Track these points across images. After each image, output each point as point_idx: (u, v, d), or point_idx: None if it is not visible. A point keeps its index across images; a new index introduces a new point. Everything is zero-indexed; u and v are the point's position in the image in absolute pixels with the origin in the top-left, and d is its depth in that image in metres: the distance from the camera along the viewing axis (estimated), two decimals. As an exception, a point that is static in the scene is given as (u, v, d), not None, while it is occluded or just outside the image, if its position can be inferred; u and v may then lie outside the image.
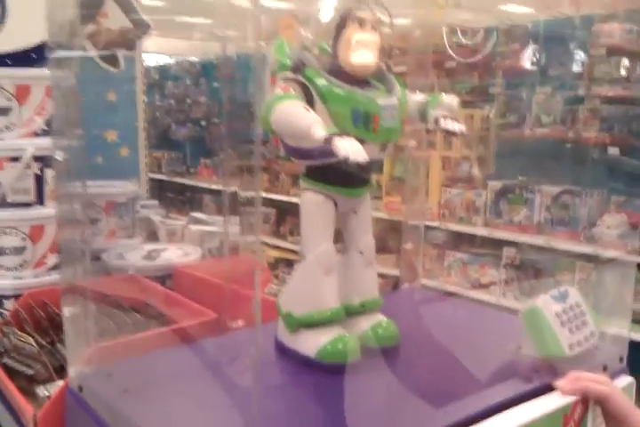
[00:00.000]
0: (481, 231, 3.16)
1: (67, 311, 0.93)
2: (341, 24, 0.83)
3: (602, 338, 0.92)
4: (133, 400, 0.81)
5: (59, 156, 0.89)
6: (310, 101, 0.82)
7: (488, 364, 0.88)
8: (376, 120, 0.83)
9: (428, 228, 3.34)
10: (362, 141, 0.82)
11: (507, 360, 0.88)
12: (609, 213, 2.78)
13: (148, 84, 5.44)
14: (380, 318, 0.94)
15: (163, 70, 5.75)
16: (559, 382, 0.78)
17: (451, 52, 3.32)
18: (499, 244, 3.12)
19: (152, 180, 5.11)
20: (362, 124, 0.82)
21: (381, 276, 2.88)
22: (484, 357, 0.90)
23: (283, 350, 0.93)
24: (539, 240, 2.91)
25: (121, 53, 2.55)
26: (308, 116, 0.77)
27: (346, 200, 0.90)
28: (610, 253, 2.59)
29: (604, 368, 0.89)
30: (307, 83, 0.82)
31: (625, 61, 2.68)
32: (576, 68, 3.01)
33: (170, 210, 5.01)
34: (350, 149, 0.74)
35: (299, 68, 0.83)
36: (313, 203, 0.89)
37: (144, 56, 5.25)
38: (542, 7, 3.14)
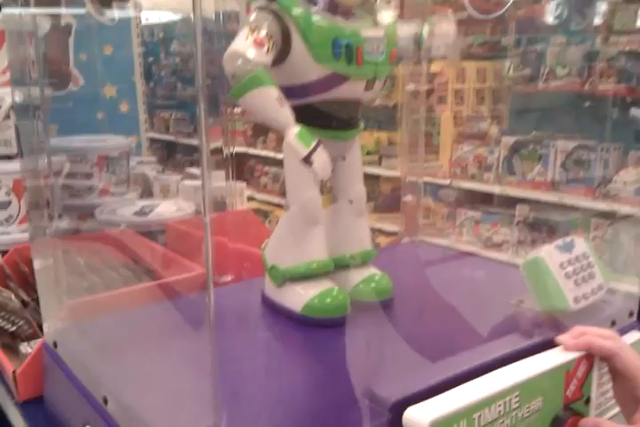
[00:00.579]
0: (493, 189, 3.07)
1: (37, 264, 0.88)
2: None
3: (611, 292, 0.86)
4: (107, 357, 0.76)
5: (17, 97, 0.82)
6: (287, 33, 0.74)
7: (487, 318, 0.82)
8: (359, 53, 0.76)
9: (438, 186, 3.29)
10: (345, 77, 0.76)
11: (507, 314, 0.83)
12: (626, 168, 2.67)
13: (152, 43, 5.34)
14: (373, 271, 0.89)
15: (167, 28, 5.61)
16: (561, 337, 0.72)
17: (467, 3, 3.18)
18: (511, 201, 3.04)
19: (160, 141, 5.07)
20: (344, 57, 0.75)
21: (392, 234, 2.83)
22: (483, 311, 0.85)
23: (269, 305, 0.89)
24: (553, 197, 2.82)
25: (115, 5, 2.46)
26: (281, 117, 0.75)
27: (332, 144, 0.83)
28: (625, 210, 2.51)
29: (613, 323, 0.83)
30: (281, 12, 0.74)
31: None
32: (593, 18, 2.87)
33: (178, 171, 4.99)
34: (325, 168, 0.77)
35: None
36: None
37: (147, 14, 5.13)
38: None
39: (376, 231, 3.40)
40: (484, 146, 3.16)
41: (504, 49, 3.25)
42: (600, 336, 0.71)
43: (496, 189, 3.06)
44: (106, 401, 0.68)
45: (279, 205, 4.22)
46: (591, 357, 0.71)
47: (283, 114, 0.75)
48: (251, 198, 4.32)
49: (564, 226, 2.83)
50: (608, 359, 0.70)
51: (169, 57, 5.54)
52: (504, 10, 2.96)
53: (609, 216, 2.64)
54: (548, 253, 0.81)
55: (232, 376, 0.68)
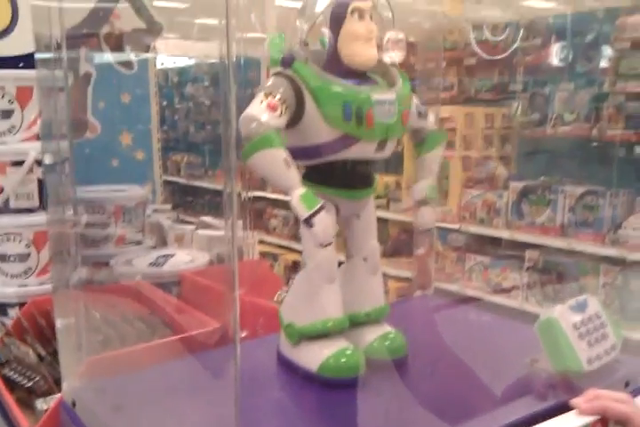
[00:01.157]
0: (502, 233, 3.08)
1: (59, 322, 0.90)
2: (340, 16, 0.80)
3: (624, 351, 0.86)
4: (125, 418, 0.77)
5: (48, 160, 0.85)
6: (300, 96, 0.78)
7: (502, 379, 0.83)
8: (370, 116, 0.79)
9: (448, 230, 3.30)
10: (356, 139, 0.79)
11: (522, 375, 0.83)
12: (635, 214, 2.68)
13: (166, 87, 5.47)
14: (387, 328, 0.90)
15: (182, 72, 5.75)
16: (576, 401, 0.72)
17: (477, 48, 3.26)
18: (521, 246, 3.04)
19: (171, 183, 5.14)
20: (354, 120, 0.78)
21: (402, 279, 2.82)
22: (497, 371, 0.85)
23: (284, 364, 0.89)
24: (562, 243, 2.82)
25: (134, 55, 2.54)
26: (287, 178, 0.77)
27: (347, 203, 0.86)
28: (635, 256, 2.50)
29: (626, 384, 0.83)
30: (295, 77, 0.79)
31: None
32: (600, 63, 2.92)
33: (189, 214, 5.04)
34: (326, 232, 0.77)
35: (288, 62, 0.79)
36: None
37: (163, 58, 5.28)
38: (564, 1, 3.07)
39: (385, 276, 3.40)
40: (493, 190, 3.18)
41: (512, 94, 3.31)
42: (615, 399, 0.72)
43: (505, 234, 3.06)
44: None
45: (288, 248, 4.23)
46: (606, 421, 0.72)
47: (288, 175, 0.77)
48: (260, 241, 4.35)
49: (573, 272, 2.82)
50: (623, 424, 0.71)
51: (183, 101, 5.68)
52: (509, 52, 3.04)
53: (618, 262, 2.64)
54: (562, 314, 0.82)
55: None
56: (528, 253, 2.98)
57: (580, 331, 0.81)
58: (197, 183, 5.22)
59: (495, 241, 3.17)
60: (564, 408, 0.73)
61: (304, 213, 0.76)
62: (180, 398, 0.81)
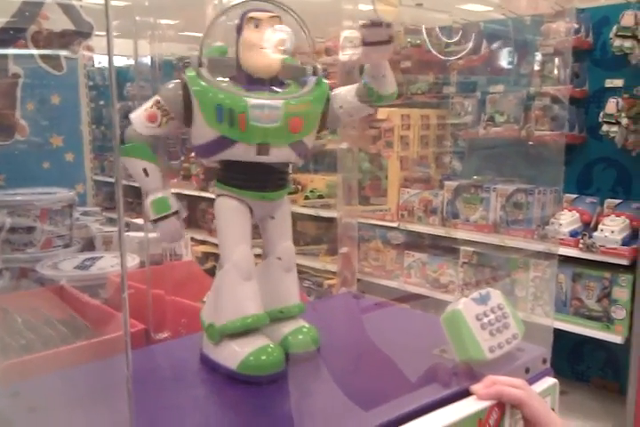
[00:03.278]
0: (438, 231, 3.16)
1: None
2: (239, 28, 0.84)
3: (526, 339, 0.91)
4: (38, 421, 0.77)
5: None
6: (188, 99, 0.83)
7: (409, 369, 0.86)
8: (242, 119, 0.81)
9: (387, 228, 3.36)
10: (232, 141, 0.83)
11: (428, 364, 0.87)
12: (561, 211, 2.80)
13: (104, 86, 5.36)
14: (301, 323, 0.92)
15: (120, 72, 5.66)
16: (474, 387, 0.77)
17: (434, 51, 3.31)
18: (456, 243, 3.13)
19: (108, 184, 5.04)
20: (226, 121, 0.81)
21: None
22: (406, 362, 0.88)
23: (206, 363, 0.90)
24: (495, 239, 2.92)
25: (63, 55, 2.50)
26: (145, 184, 0.86)
27: (261, 204, 0.88)
28: (563, 251, 2.62)
29: (527, 370, 0.88)
30: (186, 81, 0.83)
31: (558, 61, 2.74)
32: (528, 67, 3.04)
33: (130, 215, 4.95)
34: (169, 236, 0.87)
35: (183, 67, 0.84)
36: (227, 208, 0.87)
37: (100, 58, 5.17)
38: (497, 7, 3.17)
39: (330, 274, 3.44)
40: (429, 189, 3.27)
41: (446, 96, 3.40)
42: (511, 385, 0.76)
43: (441, 232, 3.15)
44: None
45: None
46: (502, 405, 0.76)
47: (147, 181, 0.86)
48: (203, 242, 4.33)
49: (505, 267, 2.92)
50: (518, 408, 0.75)
51: (121, 100, 5.57)
52: (463, 54, 3.12)
53: (547, 257, 2.75)
54: (465, 306, 0.86)
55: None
56: (463, 250, 3.08)
57: (482, 322, 0.85)
58: (137, 184, 5.14)
59: (432, 238, 3.26)
60: (465, 394, 0.77)
61: (151, 216, 0.86)
62: (94, 400, 0.81)
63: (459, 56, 3.23)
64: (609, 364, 2.87)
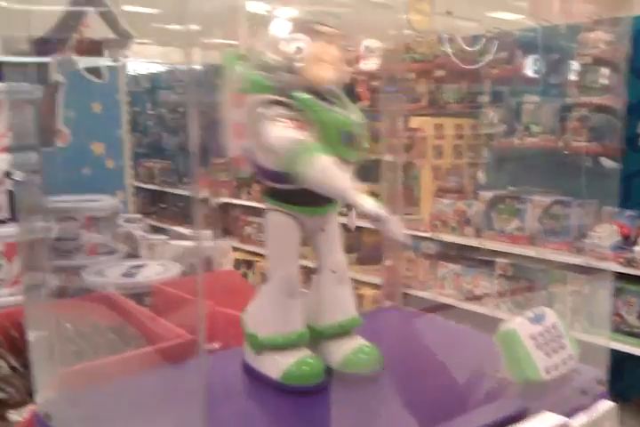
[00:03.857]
0: (473, 242, 3.13)
1: (32, 334, 0.91)
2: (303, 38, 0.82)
3: (585, 359, 0.90)
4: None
5: (19, 177, 0.87)
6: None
7: (464, 389, 0.86)
8: (357, 139, 0.83)
9: (420, 238, 3.35)
10: (347, 162, 0.83)
11: (483, 385, 0.87)
12: (600, 223, 2.76)
13: (138, 93, 5.44)
14: (362, 342, 0.92)
15: (154, 79, 5.74)
16: None
17: (454, 58, 3.31)
18: (491, 255, 3.10)
19: (143, 189, 5.11)
20: (348, 145, 0.82)
21: (377, 286, 2.83)
22: (460, 382, 0.88)
23: (249, 372, 0.91)
24: (530, 251, 2.88)
25: (104, 64, 2.55)
26: (345, 179, 0.77)
27: (311, 219, 0.88)
28: (601, 265, 2.58)
29: (583, 393, 0.87)
30: (296, 105, 0.81)
31: (605, 71, 2.69)
32: (565, 77, 3.01)
33: (162, 221, 5.01)
34: (398, 231, 0.77)
35: (284, 90, 0.82)
36: (277, 224, 0.87)
37: (135, 64, 5.25)
38: (529, 16, 3.15)
39: (360, 283, 3.43)
40: (463, 199, 3.24)
41: (480, 106, 3.38)
42: None
43: (475, 243, 3.12)
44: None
45: (263, 256, 4.24)
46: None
47: (347, 177, 0.78)
48: (234, 249, 4.35)
49: (542, 280, 2.88)
50: None
51: (155, 107, 5.65)
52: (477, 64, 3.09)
53: (585, 271, 2.70)
54: (520, 325, 0.85)
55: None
56: (498, 262, 3.04)
57: (537, 341, 0.85)
58: (171, 190, 5.20)
59: (466, 249, 3.23)
60: (523, 415, 0.77)
61: (375, 208, 0.75)
62: (152, 409, 0.83)
63: (479, 65, 3.19)
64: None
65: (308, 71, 0.83)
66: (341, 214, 0.91)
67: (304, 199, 0.85)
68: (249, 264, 4.18)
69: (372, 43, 0.84)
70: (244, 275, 4.06)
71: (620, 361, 2.89)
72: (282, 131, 0.78)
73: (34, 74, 0.99)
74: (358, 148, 0.84)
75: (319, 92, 0.83)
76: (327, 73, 0.83)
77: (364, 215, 0.76)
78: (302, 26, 0.83)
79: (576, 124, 2.94)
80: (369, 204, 0.75)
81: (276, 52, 0.84)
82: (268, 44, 0.85)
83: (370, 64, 0.88)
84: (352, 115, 0.85)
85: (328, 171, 0.77)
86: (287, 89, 0.82)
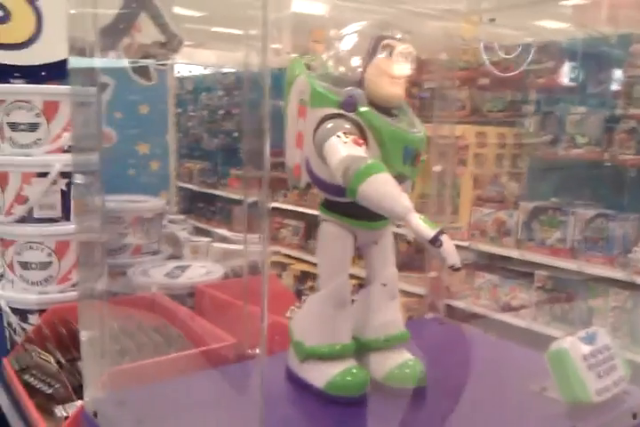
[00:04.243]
0: (512, 253, 3.09)
1: (84, 332, 0.93)
2: (372, 51, 0.82)
3: (632, 382, 0.88)
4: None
5: (79, 179, 0.89)
6: (363, 139, 0.80)
7: (511, 407, 0.85)
8: (419, 157, 0.83)
9: (457, 247, 3.32)
10: (406, 178, 0.84)
11: (530, 404, 0.85)
12: (645, 238, 2.70)
13: (181, 94, 5.53)
14: (407, 356, 0.92)
15: (197, 81, 5.82)
16: None
17: (491, 66, 3.28)
18: (530, 266, 3.05)
19: (183, 189, 5.18)
20: (409, 162, 0.82)
21: (410, 294, 2.82)
22: (506, 399, 0.87)
23: (292, 379, 0.92)
24: (572, 264, 2.83)
25: (153, 67, 2.59)
26: (402, 199, 0.76)
27: (366, 232, 0.88)
28: (645, 281, 2.52)
29: (634, 416, 0.85)
30: (359, 120, 0.80)
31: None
32: (613, 88, 2.95)
33: (200, 220, 5.07)
34: (452, 255, 0.78)
35: (350, 105, 0.81)
36: (331, 235, 0.87)
37: (179, 67, 5.33)
38: (578, 25, 3.10)
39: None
40: (503, 209, 3.20)
41: (524, 115, 3.34)
42: None
43: (515, 254, 3.08)
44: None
45: (297, 259, 4.26)
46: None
47: (402, 199, 0.76)
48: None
49: (582, 294, 2.83)
50: None
51: (197, 109, 5.73)
52: (520, 72, 3.05)
53: (628, 286, 2.65)
54: (572, 345, 0.84)
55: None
56: (537, 273, 3.00)
57: (589, 362, 0.83)
58: (209, 191, 5.26)
59: (505, 260, 3.19)
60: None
61: (430, 232, 0.74)
62: (200, 412, 0.84)
63: (518, 71, 3.14)
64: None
65: (378, 87, 0.82)
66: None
67: (360, 213, 0.84)
68: (283, 267, 4.20)
69: (406, 49, 0.83)
70: (278, 277, 4.08)
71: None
72: (343, 147, 0.77)
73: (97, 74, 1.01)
74: (419, 165, 0.84)
75: (385, 108, 0.83)
76: (397, 90, 0.82)
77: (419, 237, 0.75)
78: (371, 38, 0.82)
79: (624, 137, 2.88)
80: (425, 227, 0.74)
81: (343, 64, 0.83)
82: (334, 56, 0.84)
83: (404, 69, 0.87)
84: (416, 131, 0.84)
85: (384, 190, 0.76)
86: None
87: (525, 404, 0.85)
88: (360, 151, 0.77)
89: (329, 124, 0.80)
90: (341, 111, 0.81)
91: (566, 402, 0.82)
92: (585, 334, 0.86)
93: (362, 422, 0.83)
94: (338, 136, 0.78)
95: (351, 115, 0.81)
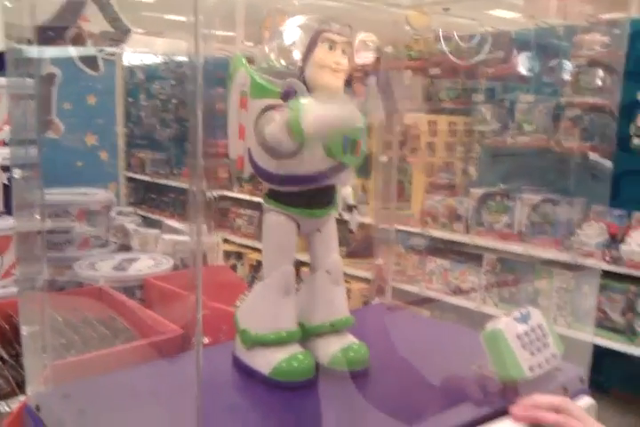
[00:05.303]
0: (462, 238, 3.17)
1: (25, 326, 0.92)
2: (311, 45, 0.83)
3: (565, 354, 0.92)
4: (89, 423, 0.80)
5: (17, 174, 0.87)
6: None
7: (448, 385, 0.88)
8: (359, 145, 0.84)
9: (410, 234, 3.37)
10: (346, 166, 0.85)
11: (467, 381, 0.88)
12: (588, 222, 2.79)
13: (132, 83, 5.42)
14: (351, 339, 0.94)
15: (149, 70, 5.71)
16: (513, 409, 0.78)
17: (451, 56, 3.33)
18: (480, 250, 3.13)
19: (134, 180, 5.10)
20: (349, 150, 0.83)
21: (364, 280, 2.87)
22: (445, 378, 0.90)
23: (239, 366, 0.93)
24: (519, 248, 2.92)
25: (101, 56, 2.54)
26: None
27: (309, 220, 0.90)
28: (588, 262, 2.61)
29: (565, 390, 0.89)
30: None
31: (600, 72, 2.71)
32: (559, 77, 3.03)
33: (153, 211, 5.00)
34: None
35: (290, 95, 0.82)
36: (274, 224, 0.89)
37: (130, 56, 5.22)
38: (527, 16, 3.16)
39: (348, 277, 3.46)
40: (454, 196, 3.27)
41: (474, 104, 3.40)
42: (551, 406, 0.77)
43: (465, 239, 3.15)
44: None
45: (253, 248, 4.26)
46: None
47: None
48: (225, 240, 4.37)
49: (529, 276, 2.92)
50: None
51: (149, 98, 5.63)
52: (473, 62, 3.10)
53: (572, 267, 2.74)
54: (507, 325, 0.87)
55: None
56: (486, 257, 3.08)
57: (523, 341, 0.86)
58: (162, 181, 5.20)
59: (456, 245, 3.26)
60: (503, 414, 0.78)
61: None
62: (143, 402, 0.84)
63: (473, 61, 3.20)
64: (630, 376, 2.85)
65: (317, 79, 0.83)
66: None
67: (303, 202, 0.86)
68: (239, 256, 4.20)
69: (368, 37, 0.84)
70: (234, 266, 4.07)
71: (601, 355, 2.94)
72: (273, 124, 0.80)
73: (36, 65, 0.98)
74: (359, 153, 0.85)
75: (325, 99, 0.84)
76: (336, 82, 0.84)
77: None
78: (311, 32, 0.83)
79: (569, 124, 2.97)
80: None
81: (283, 57, 0.84)
82: (275, 49, 0.85)
83: (365, 58, 0.89)
84: (356, 121, 0.85)
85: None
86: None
87: (462, 382, 0.88)
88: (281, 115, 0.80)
89: (266, 114, 0.82)
90: (282, 102, 0.82)
91: (501, 379, 0.85)
92: (519, 315, 0.89)
93: (307, 405, 0.85)
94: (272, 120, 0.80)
95: (290, 104, 0.81)
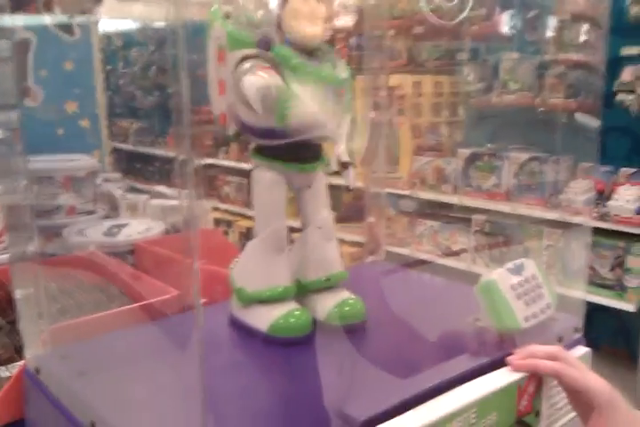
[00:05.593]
0: (451, 199, 3.17)
1: (18, 293, 0.91)
2: None
3: (558, 309, 0.93)
4: (89, 383, 0.80)
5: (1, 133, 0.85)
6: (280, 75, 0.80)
7: (445, 338, 0.88)
8: (343, 95, 0.83)
9: (399, 196, 3.37)
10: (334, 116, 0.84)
11: (463, 334, 0.89)
12: (575, 179, 2.81)
13: (110, 51, 5.28)
14: (347, 295, 0.94)
15: (126, 36, 5.57)
16: (510, 358, 0.79)
17: (432, 15, 3.26)
18: (468, 211, 3.15)
19: (118, 150, 5.03)
20: (334, 100, 0.82)
21: (354, 244, 2.88)
22: (441, 331, 0.91)
23: (236, 324, 0.93)
24: (507, 207, 2.93)
25: (76, 21, 2.47)
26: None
27: (298, 176, 0.89)
28: (576, 220, 2.63)
29: (560, 340, 0.90)
30: (275, 60, 0.80)
31: (585, 27, 2.68)
32: (543, 34, 3.00)
33: (139, 180, 4.96)
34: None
35: (265, 43, 0.80)
36: (263, 180, 0.88)
37: (106, 22, 5.08)
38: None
39: (340, 241, 3.47)
40: (442, 157, 3.26)
41: (459, 63, 3.36)
42: (547, 355, 0.78)
43: (453, 200, 3.16)
44: (94, 426, 0.72)
45: (242, 215, 4.25)
46: (540, 376, 0.78)
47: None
48: (214, 209, 4.35)
49: (518, 235, 2.94)
50: (555, 379, 0.77)
51: (127, 66, 5.51)
52: (456, 21, 3.06)
53: (561, 225, 2.77)
54: (500, 276, 0.88)
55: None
56: (475, 218, 3.09)
57: (517, 292, 0.87)
58: (146, 150, 5.13)
59: (444, 206, 3.27)
60: (501, 364, 0.80)
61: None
62: (143, 362, 0.84)
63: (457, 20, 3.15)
64: (620, 332, 2.91)
65: (295, 28, 0.81)
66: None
67: (291, 156, 0.85)
68: (228, 224, 4.19)
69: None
70: (225, 234, 4.06)
71: (591, 311, 2.99)
72: (254, 78, 0.77)
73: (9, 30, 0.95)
74: (344, 101, 0.84)
75: (305, 49, 0.82)
76: (313, 29, 0.82)
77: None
78: None
79: (554, 81, 2.95)
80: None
81: (260, 7, 0.82)
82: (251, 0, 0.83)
83: (344, 21, 0.87)
84: (339, 71, 0.84)
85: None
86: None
87: (459, 333, 0.89)
88: (268, 78, 0.77)
89: (245, 64, 0.80)
90: (256, 52, 0.80)
91: (497, 330, 0.86)
92: (512, 266, 0.89)
93: (305, 360, 0.85)
94: (251, 71, 0.78)
95: (268, 54, 0.80)
